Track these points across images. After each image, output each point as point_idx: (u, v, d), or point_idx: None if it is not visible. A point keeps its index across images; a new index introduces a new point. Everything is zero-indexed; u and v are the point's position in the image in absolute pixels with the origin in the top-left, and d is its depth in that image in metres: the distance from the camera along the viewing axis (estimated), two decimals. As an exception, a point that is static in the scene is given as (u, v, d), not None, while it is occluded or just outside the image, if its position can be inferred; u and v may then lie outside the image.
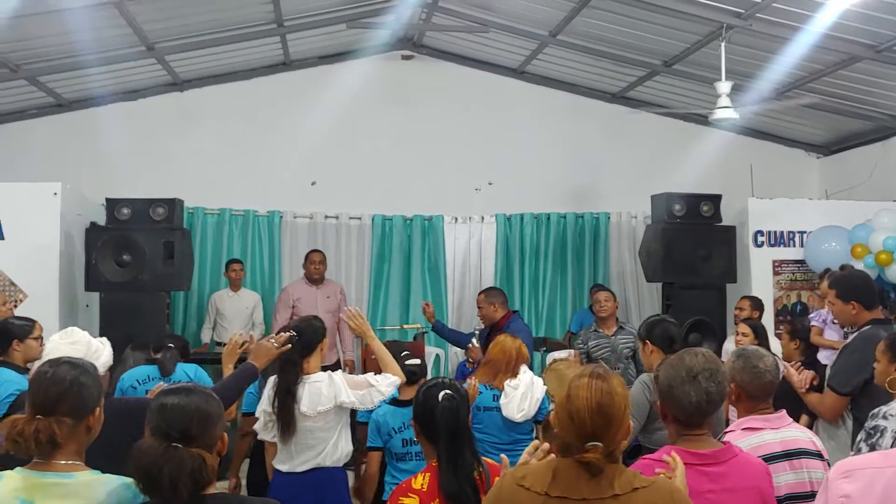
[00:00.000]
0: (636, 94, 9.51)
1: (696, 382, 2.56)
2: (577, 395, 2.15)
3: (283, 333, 3.95)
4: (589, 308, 9.00)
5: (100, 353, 3.15)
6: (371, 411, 4.38)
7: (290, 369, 4.01)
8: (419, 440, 2.85)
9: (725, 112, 7.09)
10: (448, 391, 2.82)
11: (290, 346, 3.92)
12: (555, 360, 7.54)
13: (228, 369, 4.25)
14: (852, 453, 3.50)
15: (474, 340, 6.45)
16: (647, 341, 4.38)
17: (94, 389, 2.33)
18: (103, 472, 2.28)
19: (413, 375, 4.53)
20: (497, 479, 2.29)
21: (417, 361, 4.71)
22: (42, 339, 4.94)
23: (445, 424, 2.73)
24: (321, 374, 4.09)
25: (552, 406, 7.51)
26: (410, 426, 4.20)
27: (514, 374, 4.86)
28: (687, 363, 2.61)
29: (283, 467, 4.03)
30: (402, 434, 4.27)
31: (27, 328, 4.75)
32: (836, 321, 5.54)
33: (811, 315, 6.26)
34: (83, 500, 2.18)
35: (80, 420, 2.26)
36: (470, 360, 6.39)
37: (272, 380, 4.11)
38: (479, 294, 6.73)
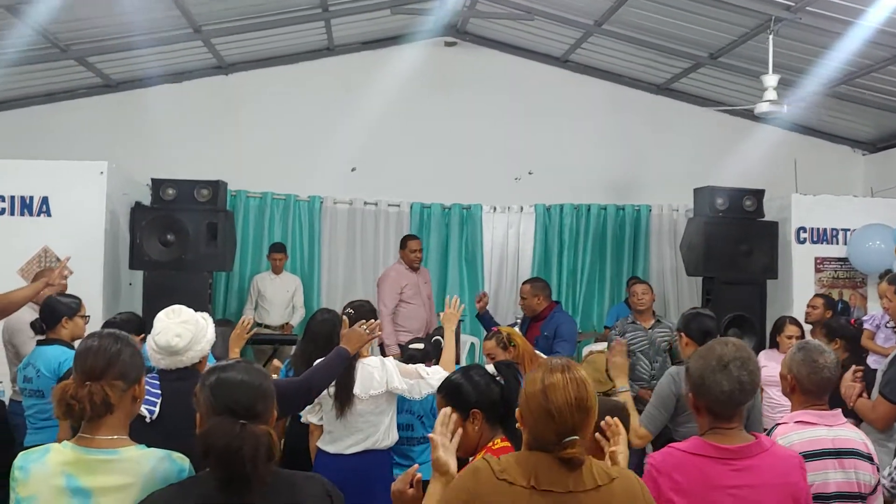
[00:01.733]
0: (680, 85, 9.42)
1: (728, 371, 2.53)
2: (555, 391, 2.13)
3: (373, 321, 3.94)
4: (625, 302, 8.97)
5: (206, 330, 3.19)
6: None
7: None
8: (479, 425, 2.78)
9: (771, 106, 7.00)
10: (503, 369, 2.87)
11: (381, 332, 3.97)
12: (591, 353, 7.57)
13: (235, 353, 4.32)
14: None
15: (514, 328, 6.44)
16: (683, 334, 4.37)
17: (138, 360, 2.37)
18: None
19: (412, 360, 4.55)
20: (466, 469, 2.22)
21: (420, 346, 4.75)
22: (88, 317, 5.05)
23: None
24: (374, 358, 4.14)
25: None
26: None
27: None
28: (718, 352, 2.58)
29: (331, 449, 4.05)
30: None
31: (75, 306, 4.84)
32: (890, 324, 5.48)
33: (864, 318, 6.16)
34: (129, 477, 2.20)
35: (128, 386, 2.30)
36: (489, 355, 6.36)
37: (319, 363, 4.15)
38: (524, 284, 6.70)
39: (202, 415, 2.18)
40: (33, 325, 4.94)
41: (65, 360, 4.51)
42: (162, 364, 3.12)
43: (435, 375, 4.13)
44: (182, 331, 3.03)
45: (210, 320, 3.28)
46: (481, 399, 2.78)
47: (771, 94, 6.95)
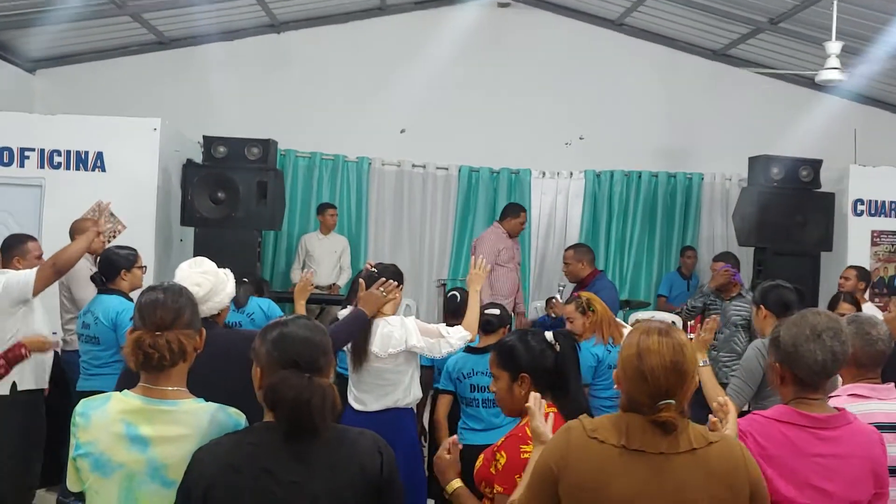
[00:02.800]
0: (738, 52, 9.20)
1: (822, 341, 2.48)
2: (650, 353, 2.10)
3: (391, 282, 4.00)
4: (677, 270, 8.88)
5: (226, 283, 3.23)
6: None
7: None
8: (525, 389, 2.78)
9: (833, 74, 6.81)
10: (553, 333, 2.84)
11: (397, 295, 3.99)
12: (637, 321, 7.51)
13: (300, 306, 4.42)
14: None
15: (557, 296, 6.42)
16: (762, 306, 4.25)
17: (196, 315, 2.40)
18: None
19: (489, 325, 4.57)
20: (559, 430, 2.24)
21: (497, 312, 4.73)
22: (145, 268, 5.13)
23: (572, 364, 2.78)
24: (395, 317, 4.15)
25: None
26: (479, 373, 4.34)
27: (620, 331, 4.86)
28: (811, 321, 2.53)
29: (357, 406, 4.12)
30: (471, 380, 4.38)
31: (132, 257, 4.93)
32: None
33: None
34: (186, 427, 2.23)
35: (196, 333, 2.35)
36: (552, 314, 6.36)
37: (346, 312, 4.19)
38: (567, 250, 6.66)
39: (263, 368, 2.19)
40: (93, 278, 5.03)
41: (122, 311, 4.61)
42: None
43: (456, 335, 4.16)
44: (202, 280, 3.09)
45: (231, 276, 3.33)
46: (532, 364, 2.77)
47: (833, 62, 6.76)
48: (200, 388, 2.36)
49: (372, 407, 4.09)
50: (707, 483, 2.08)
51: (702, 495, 2.07)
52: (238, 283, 5.28)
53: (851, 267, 6.69)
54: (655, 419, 2.08)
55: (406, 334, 4.06)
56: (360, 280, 4.11)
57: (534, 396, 2.53)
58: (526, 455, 2.54)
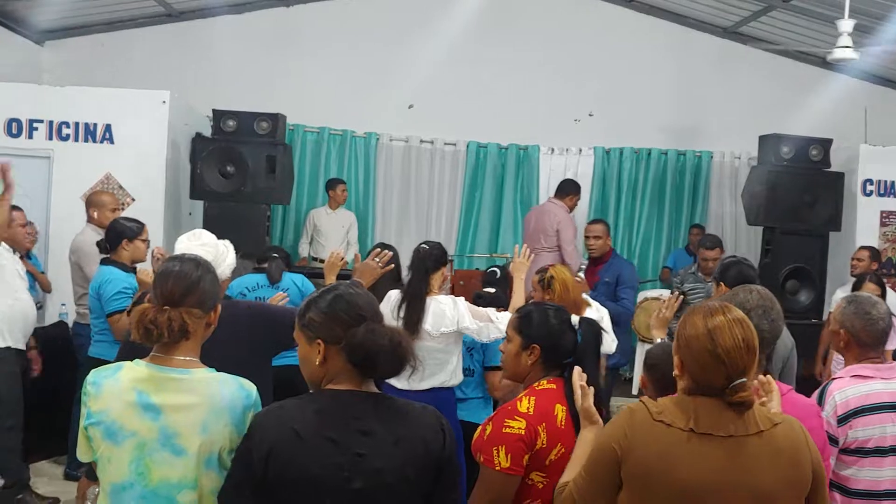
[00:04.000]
0: (749, 29, 9.12)
1: (749, 318, 2.49)
2: (722, 333, 2.08)
3: (386, 252, 3.99)
4: (685, 248, 8.87)
5: (226, 255, 3.24)
6: None
7: (421, 278, 4.09)
8: (533, 361, 2.79)
9: (845, 52, 6.75)
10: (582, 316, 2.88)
11: (392, 266, 3.99)
12: (646, 299, 7.52)
13: (331, 280, 4.41)
14: None
15: (581, 274, 6.34)
16: (722, 283, 4.23)
17: (215, 286, 2.38)
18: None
19: (479, 299, 4.60)
20: (623, 411, 2.21)
21: (492, 290, 4.76)
22: (149, 241, 5.16)
23: (590, 348, 2.78)
24: (445, 296, 4.17)
25: (639, 343, 7.49)
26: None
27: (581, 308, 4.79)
28: (740, 298, 2.54)
29: (401, 384, 4.08)
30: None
31: (137, 229, 4.98)
32: None
33: None
34: (197, 397, 2.24)
35: (205, 314, 2.32)
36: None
37: (394, 294, 4.20)
38: (597, 224, 6.49)
39: (324, 337, 2.17)
40: (99, 244, 5.16)
41: (106, 281, 4.77)
42: None
43: (504, 320, 4.11)
44: (203, 252, 3.09)
45: (231, 248, 3.33)
46: (546, 338, 2.77)
47: (845, 41, 6.70)
48: (206, 358, 2.36)
49: (417, 386, 4.04)
50: (775, 464, 2.07)
51: (771, 477, 2.06)
52: (269, 259, 5.36)
53: (864, 247, 6.68)
54: (733, 400, 2.06)
55: (458, 315, 4.07)
56: (356, 253, 4.08)
57: (578, 372, 2.54)
58: (509, 430, 2.55)
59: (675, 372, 2.19)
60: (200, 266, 2.37)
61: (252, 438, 2.09)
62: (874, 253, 6.56)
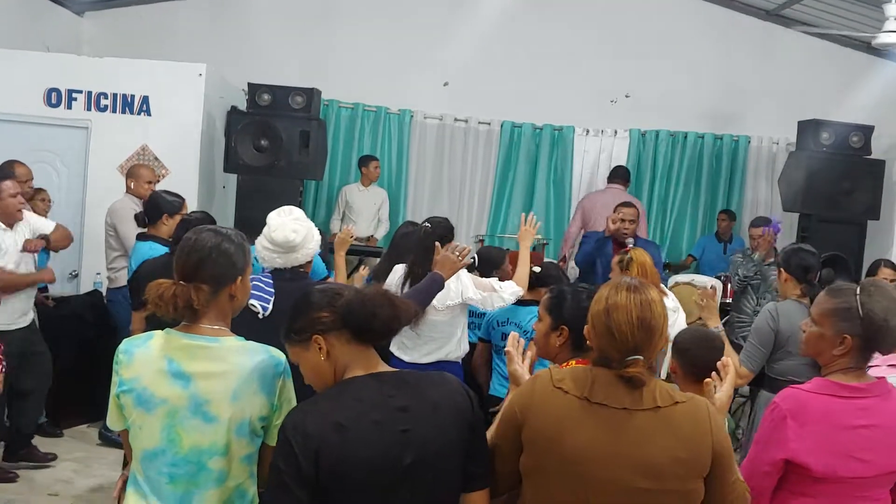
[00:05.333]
0: (793, 12, 8.95)
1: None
2: (617, 309, 2.12)
3: (465, 246, 4.05)
4: (715, 234, 8.77)
5: (313, 231, 3.31)
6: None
7: (427, 256, 4.09)
8: (561, 340, 2.79)
9: (891, 37, 6.61)
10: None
11: (471, 260, 4.02)
12: (677, 283, 7.45)
13: (340, 256, 4.59)
14: None
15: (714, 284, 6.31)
16: (783, 269, 4.31)
17: (238, 258, 2.33)
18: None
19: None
20: (530, 377, 2.30)
21: (537, 269, 4.76)
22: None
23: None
24: None
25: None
26: (513, 323, 4.41)
27: (662, 292, 4.81)
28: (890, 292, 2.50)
29: (406, 357, 4.15)
30: (503, 328, 4.43)
31: (178, 204, 4.99)
32: None
33: None
34: (227, 365, 2.26)
35: (219, 288, 2.29)
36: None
37: (400, 268, 4.21)
38: (630, 207, 6.30)
39: (327, 312, 2.15)
40: (137, 217, 5.14)
41: (148, 257, 4.70)
42: (277, 262, 3.29)
43: (507, 290, 4.22)
44: (298, 227, 3.16)
45: (315, 229, 3.38)
46: (574, 320, 2.75)
47: (892, 25, 6.56)
48: (263, 328, 2.40)
49: (424, 359, 4.13)
50: (667, 441, 2.08)
51: (660, 452, 2.07)
52: None
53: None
54: (623, 374, 2.09)
55: (462, 287, 4.11)
56: (437, 244, 4.06)
57: (512, 338, 2.59)
58: None
59: (586, 341, 2.25)
60: (219, 235, 2.35)
61: (291, 441, 2.01)
62: None
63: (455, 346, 4.20)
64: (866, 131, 7.47)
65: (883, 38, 6.64)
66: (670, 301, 4.71)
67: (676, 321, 4.71)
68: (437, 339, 4.16)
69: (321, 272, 5.33)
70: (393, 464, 2.04)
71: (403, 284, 4.12)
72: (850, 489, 2.43)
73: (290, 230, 3.03)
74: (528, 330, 4.07)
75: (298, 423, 2.04)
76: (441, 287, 3.84)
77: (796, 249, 4.42)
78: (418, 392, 2.13)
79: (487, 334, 4.60)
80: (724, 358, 2.52)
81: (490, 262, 4.64)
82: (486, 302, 4.17)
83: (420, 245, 4.17)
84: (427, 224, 4.25)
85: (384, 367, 2.19)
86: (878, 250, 7.23)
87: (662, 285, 4.94)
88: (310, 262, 3.38)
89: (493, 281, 4.27)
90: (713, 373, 2.56)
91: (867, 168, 7.45)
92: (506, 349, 2.58)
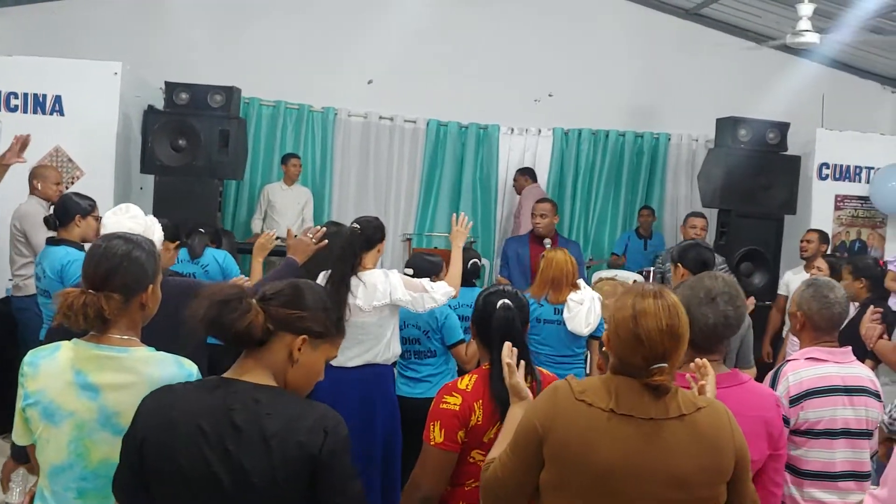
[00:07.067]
0: (711, 11, 9.13)
1: (715, 304, 2.52)
2: (646, 316, 2.07)
3: (319, 228, 3.97)
4: (635, 231, 8.90)
5: (154, 229, 3.17)
6: None
7: (348, 260, 4.03)
8: (475, 342, 2.83)
9: (805, 37, 6.80)
10: (507, 300, 2.77)
11: (326, 241, 3.94)
12: (601, 279, 7.53)
13: (257, 262, 4.31)
14: None
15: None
16: (679, 264, 4.38)
17: (149, 265, 2.28)
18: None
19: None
20: (547, 389, 2.21)
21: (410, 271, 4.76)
22: (99, 218, 5.03)
23: (499, 332, 2.69)
24: (377, 270, 4.12)
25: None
26: (411, 325, 4.43)
27: (576, 287, 4.86)
28: (706, 285, 2.55)
29: (333, 362, 4.05)
30: (403, 332, 4.42)
31: (89, 207, 4.82)
32: None
33: (889, 259, 6.08)
34: (136, 375, 2.19)
35: (130, 296, 2.23)
36: None
37: (324, 275, 4.13)
38: (544, 203, 6.53)
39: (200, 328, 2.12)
40: (47, 220, 4.96)
41: (68, 262, 4.55)
42: None
43: (439, 290, 4.15)
44: (133, 225, 3.06)
45: (157, 222, 3.28)
46: (477, 319, 2.84)
47: (805, 25, 6.74)
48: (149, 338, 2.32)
49: (351, 362, 4.04)
50: (694, 449, 2.06)
51: (689, 461, 2.05)
52: (195, 233, 5.27)
53: (812, 230, 6.75)
54: (650, 383, 2.05)
55: (390, 287, 4.04)
56: (288, 228, 4.02)
57: (507, 348, 2.52)
58: (445, 405, 2.60)
59: (604, 347, 2.20)
60: (129, 243, 2.28)
61: (135, 423, 2.04)
62: (822, 235, 6.62)
63: (384, 348, 4.11)
64: (782, 128, 7.66)
65: (796, 38, 6.81)
66: (581, 293, 4.80)
67: (594, 309, 4.79)
68: (365, 342, 4.06)
69: (234, 273, 5.25)
70: (207, 478, 1.96)
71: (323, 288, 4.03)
72: None
73: (125, 229, 2.91)
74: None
75: (143, 407, 2.06)
76: (297, 272, 3.74)
77: (692, 245, 4.53)
78: (258, 417, 2.00)
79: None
80: (696, 360, 2.50)
81: (424, 273, 4.55)
82: (416, 303, 4.09)
83: (347, 246, 4.07)
84: (356, 224, 4.15)
85: (254, 376, 2.08)
86: (796, 244, 7.40)
87: (580, 281, 4.98)
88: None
89: (425, 281, 4.21)
90: (689, 374, 2.56)
91: (783, 164, 7.63)
92: (504, 360, 2.48)
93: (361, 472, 3.91)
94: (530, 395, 2.42)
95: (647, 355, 2.06)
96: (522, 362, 2.54)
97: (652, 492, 2.03)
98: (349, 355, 4.05)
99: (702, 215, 6.81)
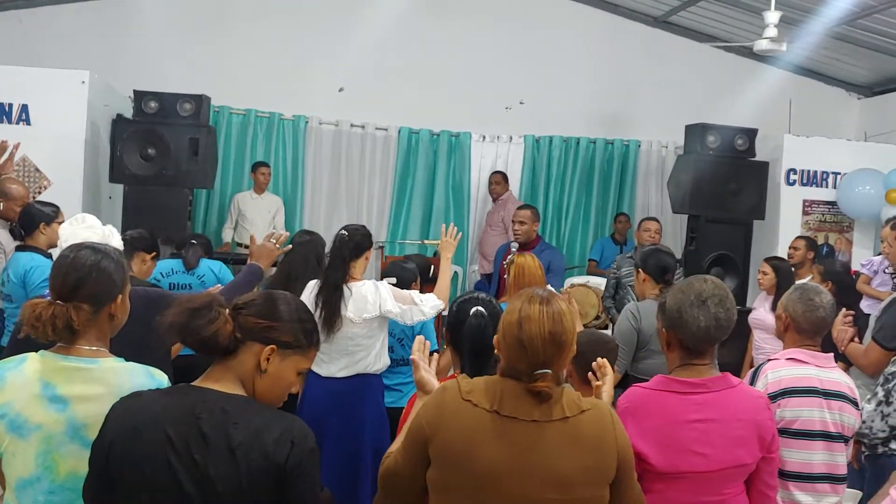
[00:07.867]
0: (679, 19, 9.24)
1: (706, 307, 2.51)
2: (530, 322, 2.10)
3: (281, 233, 3.97)
4: (611, 237, 8.95)
5: (110, 239, 3.14)
6: None
7: (338, 266, 4.01)
8: (448, 349, 2.82)
9: (771, 44, 6.87)
10: (480, 308, 2.77)
11: (289, 246, 3.91)
12: (572, 285, 7.55)
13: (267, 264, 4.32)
14: (869, 397, 3.48)
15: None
16: (641, 270, 4.39)
17: (117, 276, 2.26)
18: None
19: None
20: (437, 388, 2.24)
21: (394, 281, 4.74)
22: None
23: (471, 340, 2.69)
24: (368, 281, 4.08)
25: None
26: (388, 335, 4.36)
27: None
28: (696, 288, 2.56)
29: (321, 371, 4.03)
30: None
31: (53, 213, 4.82)
32: (889, 269, 5.49)
33: (862, 262, 6.15)
34: (105, 387, 2.16)
35: (99, 307, 2.21)
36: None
37: (312, 284, 4.11)
38: (524, 210, 6.46)
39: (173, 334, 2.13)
40: (13, 231, 4.93)
41: (31, 268, 4.54)
42: None
43: (428, 303, 4.11)
44: (90, 235, 3.03)
45: (115, 232, 3.25)
46: (449, 326, 2.81)
47: (772, 32, 6.81)
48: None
49: (340, 373, 4.02)
50: (575, 451, 2.08)
51: (570, 463, 2.07)
52: (188, 244, 5.24)
53: (800, 237, 6.79)
54: (531, 388, 2.08)
55: (380, 299, 4.00)
56: (252, 234, 4.01)
57: (418, 342, 2.55)
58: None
59: (496, 350, 2.22)
60: (98, 253, 2.26)
61: (104, 429, 2.03)
62: (810, 242, 6.67)
63: (374, 359, 4.07)
64: (750, 134, 7.74)
65: (762, 45, 6.89)
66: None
67: None
68: (354, 353, 4.03)
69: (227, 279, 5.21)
70: (172, 485, 1.95)
71: (317, 298, 4.01)
72: (698, 485, 2.46)
73: (80, 239, 2.87)
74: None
75: (112, 413, 2.04)
76: (260, 278, 3.74)
77: (654, 251, 4.55)
78: (225, 426, 1.98)
79: None
80: (598, 359, 2.52)
81: (404, 282, 4.52)
82: (405, 315, 4.05)
83: (336, 253, 4.04)
84: (344, 231, 4.12)
85: (223, 385, 2.06)
86: (765, 248, 7.51)
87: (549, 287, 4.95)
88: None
89: (414, 293, 4.16)
90: (589, 373, 2.59)
91: (752, 170, 7.71)
92: (412, 356, 2.51)
93: (350, 481, 3.92)
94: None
95: (530, 361, 2.09)
96: (435, 356, 2.57)
97: (532, 493, 2.06)
98: (339, 366, 4.02)
99: (655, 219, 6.82)
